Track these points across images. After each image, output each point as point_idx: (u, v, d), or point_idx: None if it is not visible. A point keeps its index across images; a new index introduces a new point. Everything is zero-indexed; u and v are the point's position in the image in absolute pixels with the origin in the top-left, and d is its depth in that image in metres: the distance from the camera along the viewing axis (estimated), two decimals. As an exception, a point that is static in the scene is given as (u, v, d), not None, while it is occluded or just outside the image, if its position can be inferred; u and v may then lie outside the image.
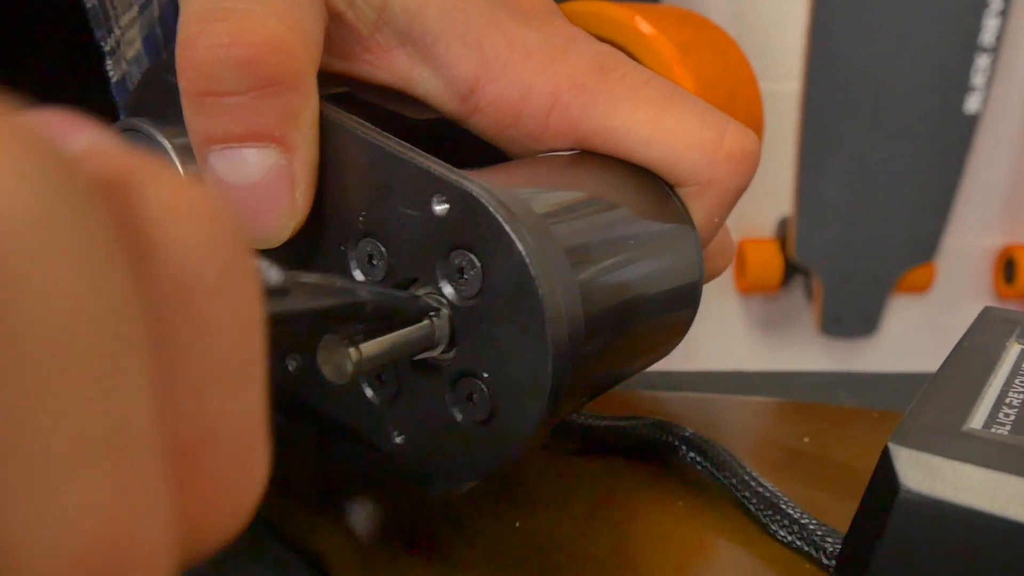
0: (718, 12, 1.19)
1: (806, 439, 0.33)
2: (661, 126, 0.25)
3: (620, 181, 0.25)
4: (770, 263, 1.23)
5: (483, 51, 0.24)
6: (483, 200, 0.20)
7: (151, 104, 0.25)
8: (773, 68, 1.20)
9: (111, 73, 0.31)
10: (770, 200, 1.22)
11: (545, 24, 0.26)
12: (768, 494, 0.28)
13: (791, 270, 1.24)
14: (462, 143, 0.26)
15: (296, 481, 0.31)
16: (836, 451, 0.33)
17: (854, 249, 1.21)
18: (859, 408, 0.36)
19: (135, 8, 0.32)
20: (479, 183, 0.20)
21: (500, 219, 0.20)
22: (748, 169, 0.26)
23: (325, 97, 0.31)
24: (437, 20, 0.24)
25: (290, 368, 0.25)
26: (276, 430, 0.28)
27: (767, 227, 1.25)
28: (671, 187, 0.26)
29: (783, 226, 1.23)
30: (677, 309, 0.25)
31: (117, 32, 0.31)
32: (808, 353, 1.28)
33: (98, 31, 0.31)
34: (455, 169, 0.21)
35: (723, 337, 1.27)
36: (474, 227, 0.20)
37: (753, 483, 0.28)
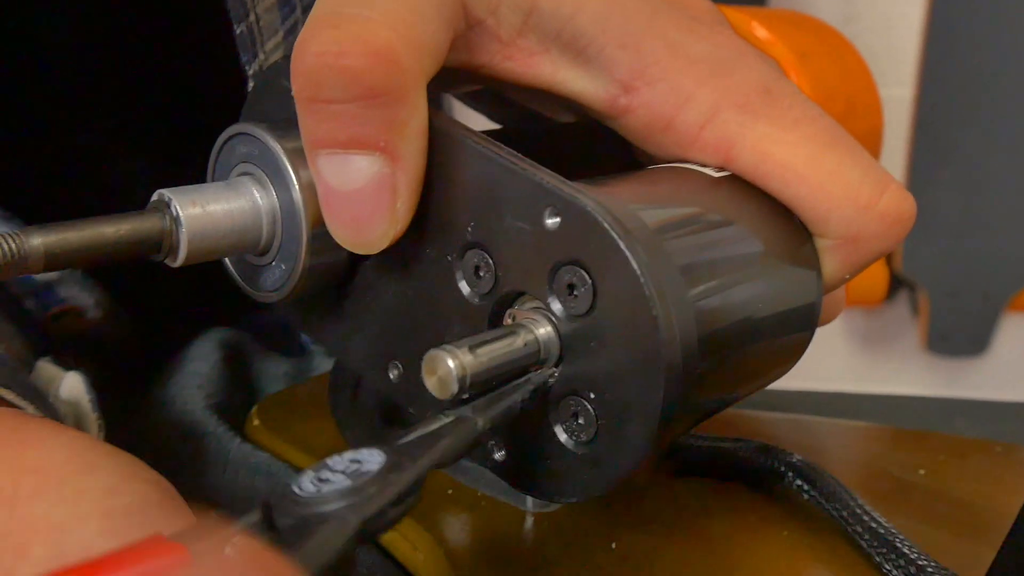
0: (829, 15, 1.15)
1: (921, 471, 0.32)
2: (820, 166, 0.23)
3: (756, 212, 0.23)
4: (874, 275, 1.18)
5: (641, 55, 0.24)
6: (596, 215, 0.19)
7: (267, 107, 0.25)
8: (885, 73, 1.16)
9: (245, 59, 0.32)
10: (876, 210, 1.18)
11: (713, 34, 0.25)
12: (882, 530, 0.26)
13: (896, 284, 1.19)
14: (601, 148, 0.26)
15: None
16: (955, 486, 0.31)
17: (964, 264, 1.15)
18: (980, 440, 0.34)
19: (280, 33, 0.33)
20: (593, 197, 0.20)
21: (615, 235, 0.19)
22: (899, 234, 0.24)
23: (461, 95, 0.31)
24: (592, 24, 0.24)
25: (391, 376, 0.25)
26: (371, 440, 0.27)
27: (872, 238, 1.20)
28: (808, 233, 0.24)
29: (889, 237, 1.19)
30: (789, 342, 0.24)
31: (262, 57, 0.32)
32: (910, 371, 1.23)
33: (244, 56, 0.31)
34: (569, 182, 0.20)
35: (821, 350, 1.23)
36: (586, 242, 0.20)
37: (866, 517, 0.27)
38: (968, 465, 0.32)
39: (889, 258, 1.18)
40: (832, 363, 1.25)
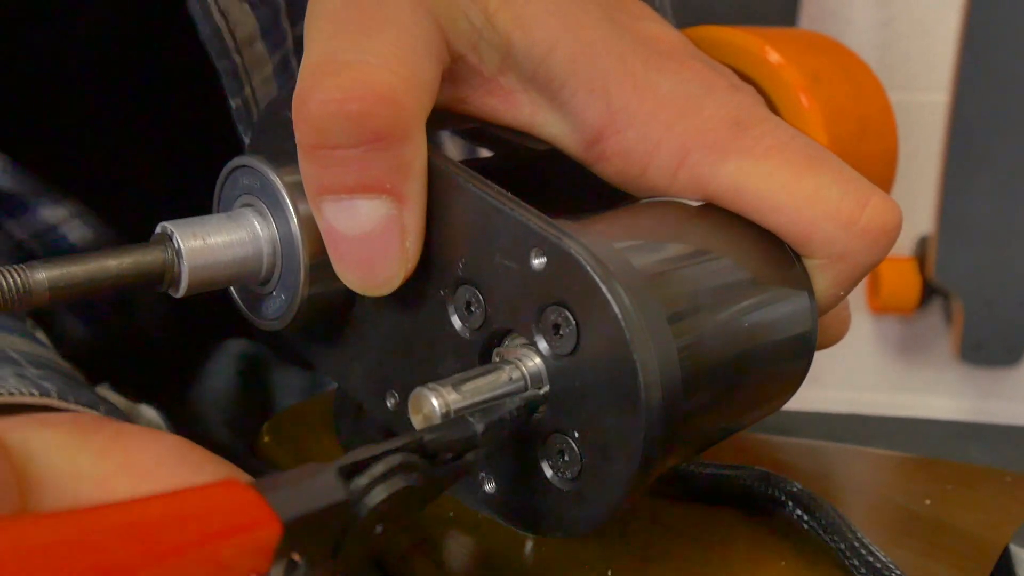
0: (865, 20, 1.14)
1: (927, 501, 0.31)
2: (797, 191, 0.23)
3: (740, 240, 0.23)
4: (907, 283, 1.17)
5: (610, 100, 0.24)
6: (580, 258, 0.19)
7: (271, 139, 0.25)
8: (920, 78, 1.14)
9: (241, 129, 0.32)
10: (909, 217, 1.15)
11: (683, 68, 0.25)
12: (879, 564, 0.26)
13: (929, 292, 1.17)
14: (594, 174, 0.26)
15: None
16: (960, 517, 0.30)
17: (1000, 272, 1.13)
18: (989, 468, 0.34)
19: (269, 67, 0.33)
20: (578, 239, 0.20)
21: (596, 278, 0.19)
22: (886, 246, 0.24)
23: (456, 132, 0.31)
24: (563, 66, 0.24)
25: (389, 405, 0.25)
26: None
27: (905, 245, 1.18)
28: (796, 254, 0.24)
29: (922, 245, 1.17)
30: (784, 374, 0.24)
31: (248, 91, 0.32)
32: (943, 381, 1.21)
33: (231, 95, 0.32)
34: (555, 222, 0.20)
35: (853, 358, 1.22)
36: (570, 285, 0.20)
37: (863, 551, 0.27)
38: (976, 495, 0.32)
39: (922, 266, 1.17)
40: (865, 371, 1.23)
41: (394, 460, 0.18)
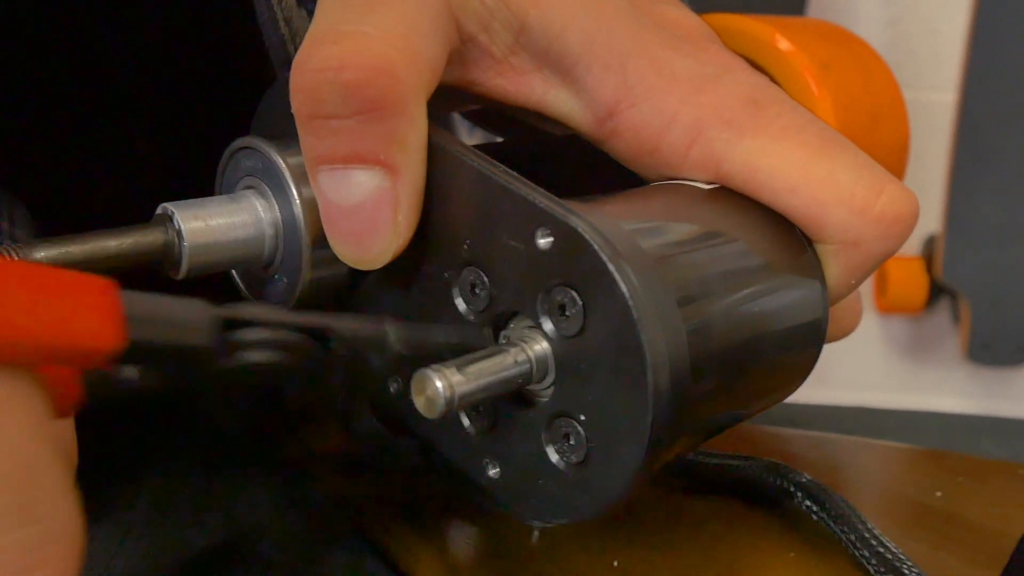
0: (871, 18, 1.13)
1: (938, 493, 0.31)
2: (811, 174, 0.23)
3: (751, 224, 0.23)
4: (914, 282, 1.16)
5: (626, 75, 0.23)
6: (587, 236, 0.19)
7: (274, 121, 0.25)
8: (927, 77, 1.13)
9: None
10: (917, 216, 1.15)
11: (699, 51, 0.25)
12: (890, 556, 0.26)
13: (936, 291, 1.17)
14: (602, 159, 0.26)
15: (397, 498, 0.31)
16: (971, 509, 0.30)
17: (1008, 272, 1.13)
18: (1001, 461, 0.33)
19: None
20: (586, 218, 0.19)
21: (604, 257, 0.19)
22: (900, 234, 0.23)
23: (462, 114, 0.31)
24: (578, 43, 0.23)
25: (391, 390, 0.25)
26: (380, 448, 0.27)
27: (912, 244, 1.18)
28: (808, 239, 0.24)
29: (930, 244, 1.17)
30: (794, 361, 0.24)
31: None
32: (950, 381, 1.20)
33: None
34: (562, 202, 0.20)
35: (859, 358, 1.21)
36: (577, 264, 0.19)
37: (874, 541, 0.26)
38: (987, 488, 0.32)
39: (930, 265, 1.16)
40: (871, 371, 1.22)
41: (280, 335, 0.18)
